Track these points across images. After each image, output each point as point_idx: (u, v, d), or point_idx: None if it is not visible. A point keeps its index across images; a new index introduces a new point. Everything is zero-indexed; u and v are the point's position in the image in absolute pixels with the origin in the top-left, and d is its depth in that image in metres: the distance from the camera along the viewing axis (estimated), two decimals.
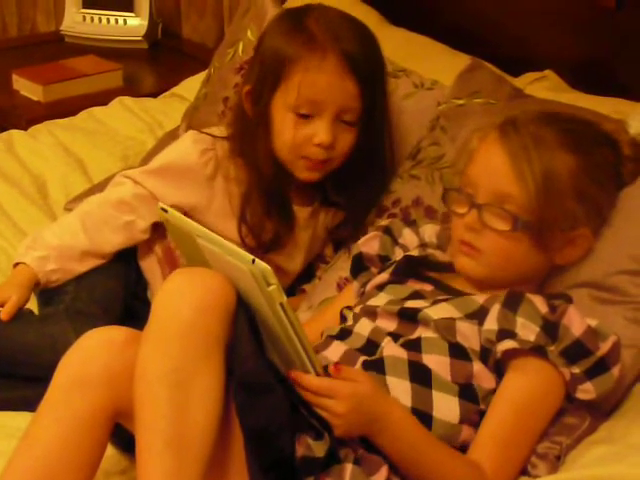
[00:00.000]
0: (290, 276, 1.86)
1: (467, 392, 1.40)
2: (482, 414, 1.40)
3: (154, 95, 2.57)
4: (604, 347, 1.38)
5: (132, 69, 2.77)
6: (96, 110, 2.39)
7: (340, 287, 1.75)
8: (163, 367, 1.22)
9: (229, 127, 1.79)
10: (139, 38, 2.89)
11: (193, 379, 1.23)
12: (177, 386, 1.22)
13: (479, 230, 1.46)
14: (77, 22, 2.93)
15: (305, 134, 1.69)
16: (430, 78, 1.91)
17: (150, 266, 1.81)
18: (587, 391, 1.38)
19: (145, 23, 2.89)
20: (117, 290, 1.75)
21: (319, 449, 1.27)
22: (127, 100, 2.43)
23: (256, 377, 1.26)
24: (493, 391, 1.41)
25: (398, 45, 2.12)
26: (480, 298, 1.45)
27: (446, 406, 1.39)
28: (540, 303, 1.41)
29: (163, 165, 1.77)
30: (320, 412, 1.29)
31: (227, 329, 1.26)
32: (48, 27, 3.19)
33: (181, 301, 1.25)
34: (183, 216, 1.34)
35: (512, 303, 1.41)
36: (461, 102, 1.81)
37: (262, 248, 1.76)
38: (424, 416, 1.38)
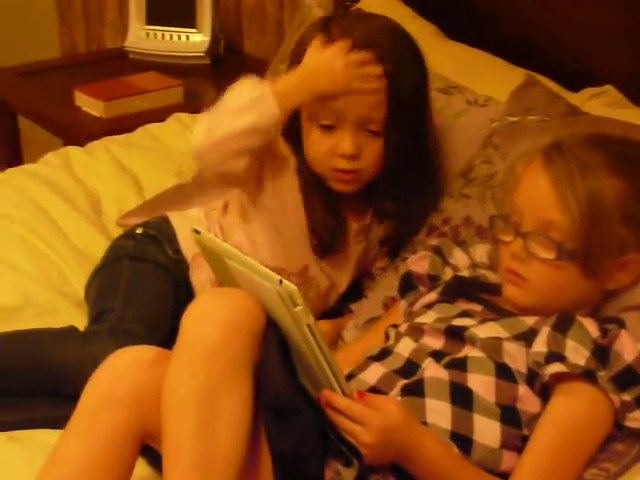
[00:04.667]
0: (338, 290, 1.84)
1: (510, 416, 1.37)
2: (525, 439, 1.37)
3: None
4: None
5: (194, 85, 2.77)
6: (152, 127, 2.40)
7: (387, 306, 1.73)
8: (190, 387, 1.22)
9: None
10: (201, 54, 2.90)
11: (220, 400, 1.22)
12: (204, 406, 1.21)
13: (525, 259, 1.43)
14: (141, 38, 2.95)
15: (329, 145, 1.68)
16: (484, 94, 1.87)
17: (201, 282, 1.79)
18: (637, 419, 1.34)
19: (207, 39, 2.90)
20: (165, 309, 1.74)
21: (348, 475, 1.26)
22: (183, 116, 2.44)
23: (285, 400, 1.25)
24: (537, 416, 1.37)
25: (454, 60, 2.09)
26: (530, 320, 1.42)
27: (487, 430, 1.36)
28: (591, 326, 1.37)
29: None
30: (349, 438, 1.27)
31: (256, 350, 1.25)
32: (114, 43, 3.23)
33: (209, 321, 1.24)
34: (214, 237, 1.35)
35: (562, 326, 1.37)
36: (515, 119, 1.77)
37: (321, 247, 1.75)
38: (464, 440, 1.35)
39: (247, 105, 1.62)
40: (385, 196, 1.77)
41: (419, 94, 1.73)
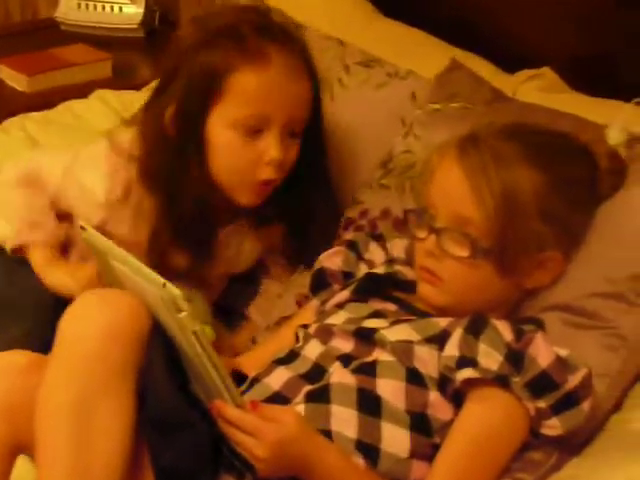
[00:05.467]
0: (216, 290, 1.72)
1: (420, 423, 1.31)
2: (436, 448, 1.31)
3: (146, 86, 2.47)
4: (573, 380, 1.28)
5: (126, 59, 2.66)
6: (75, 103, 2.29)
7: (300, 305, 1.65)
8: (65, 395, 1.16)
9: (141, 150, 1.59)
10: (135, 26, 2.79)
11: (97, 409, 1.16)
12: (80, 415, 1.15)
13: (439, 256, 1.37)
14: (72, 9, 2.83)
15: (254, 154, 1.53)
16: (405, 68, 1.80)
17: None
18: (553, 427, 1.28)
19: (141, 11, 2.79)
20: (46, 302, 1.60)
21: None
22: (106, 93, 2.32)
23: (170, 411, 1.20)
24: (449, 423, 1.31)
25: (390, 39, 2.02)
26: (443, 321, 1.36)
27: (395, 438, 1.30)
28: (505, 329, 1.31)
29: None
30: (241, 451, 1.21)
31: (140, 356, 1.19)
32: (49, 13, 3.11)
33: (88, 325, 1.18)
34: (100, 235, 1.27)
35: (475, 328, 1.31)
36: (437, 107, 1.70)
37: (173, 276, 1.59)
38: (370, 449, 1.29)
39: None
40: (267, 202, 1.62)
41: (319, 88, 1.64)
